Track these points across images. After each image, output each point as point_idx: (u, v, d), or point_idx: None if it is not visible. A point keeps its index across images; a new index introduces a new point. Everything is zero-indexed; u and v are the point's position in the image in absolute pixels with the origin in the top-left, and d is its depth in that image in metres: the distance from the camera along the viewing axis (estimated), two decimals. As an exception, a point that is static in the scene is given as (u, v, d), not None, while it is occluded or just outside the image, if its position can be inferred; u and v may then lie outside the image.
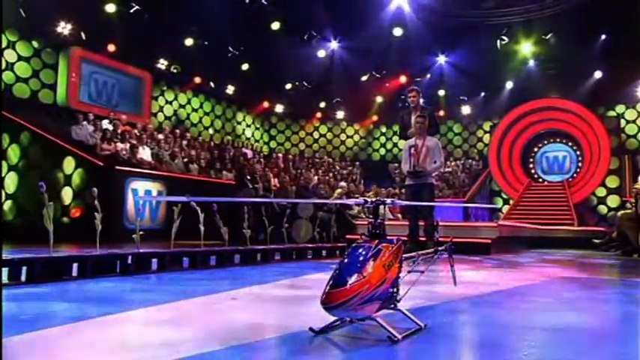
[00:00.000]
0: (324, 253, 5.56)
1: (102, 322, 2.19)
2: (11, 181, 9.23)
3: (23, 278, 3.21)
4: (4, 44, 10.96)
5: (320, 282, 2.58)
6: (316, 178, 13.74)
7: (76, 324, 2.11)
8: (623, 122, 15.51)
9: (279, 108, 17.78)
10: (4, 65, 10.91)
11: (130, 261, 3.86)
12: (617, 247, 7.96)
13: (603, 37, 13.78)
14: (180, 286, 3.44)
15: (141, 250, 3.92)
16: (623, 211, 7.74)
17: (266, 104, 17.36)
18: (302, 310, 2.55)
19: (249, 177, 9.85)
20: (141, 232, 4.21)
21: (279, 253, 4.98)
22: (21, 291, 2.93)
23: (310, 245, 5.58)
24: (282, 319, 2.37)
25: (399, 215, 11.45)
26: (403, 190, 11.18)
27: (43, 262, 3.28)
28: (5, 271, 3.13)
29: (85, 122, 10.49)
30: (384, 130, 18.74)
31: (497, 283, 4.10)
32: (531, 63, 15.27)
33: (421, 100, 7.00)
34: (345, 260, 1.93)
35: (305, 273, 3.74)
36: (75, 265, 3.52)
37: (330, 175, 15.20)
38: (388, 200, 2.17)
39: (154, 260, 4.10)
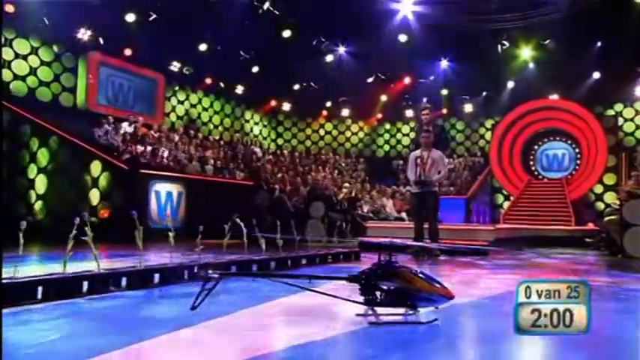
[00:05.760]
0: (341, 257, 6.10)
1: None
2: (41, 183, 9.85)
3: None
4: (27, 51, 11.51)
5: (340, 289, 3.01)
6: (323, 175, 14.38)
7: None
8: (620, 120, 15.87)
9: (286, 106, 18.33)
10: (27, 70, 11.48)
11: (178, 271, 4.07)
12: (605, 247, 8.67)
13: (600, 41, 14.19)
14: (232, 295, 3.58)
15: (193, 262, 4.22)
16: (608, 217, 8.36)
17: (273, 103, 17.92)
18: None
19: (264, 180, 10.46)
20: (172, 234, 4.53)
21: (305, 259, 5.48)
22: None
23: (330, 252, 6.04)
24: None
25: (404, 214, 12.06)
26: (407, 188, 11.82)
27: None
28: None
29: (106, 125, 11.04)
30: (387, 127, 19.26)
31: (491, 288, 4.54)
32: (531, 65, 15.70)
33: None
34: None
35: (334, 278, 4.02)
36: (124, 279, 3.74)
37: (336, 172, 15.82)
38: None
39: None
